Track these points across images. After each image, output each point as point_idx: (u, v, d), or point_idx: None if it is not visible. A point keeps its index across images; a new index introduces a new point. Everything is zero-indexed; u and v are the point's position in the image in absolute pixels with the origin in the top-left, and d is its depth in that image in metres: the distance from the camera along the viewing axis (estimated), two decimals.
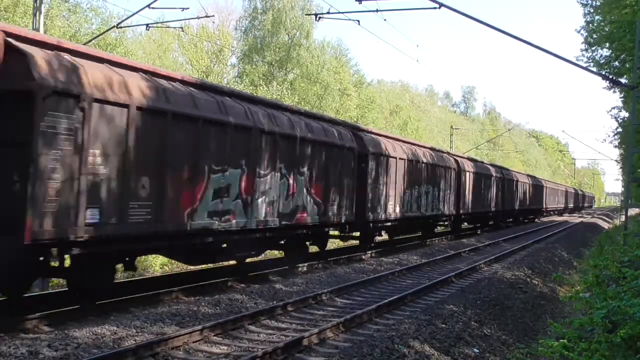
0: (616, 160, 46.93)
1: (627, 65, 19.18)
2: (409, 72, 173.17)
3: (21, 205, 7.59)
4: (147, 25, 19.29)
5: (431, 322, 9.35)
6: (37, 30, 14.08)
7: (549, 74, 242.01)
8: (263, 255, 15.48)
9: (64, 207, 8.04)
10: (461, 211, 27.20)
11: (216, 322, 8.39)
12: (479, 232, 31.48)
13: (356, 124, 20.90)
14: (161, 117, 9.68)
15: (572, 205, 75.37)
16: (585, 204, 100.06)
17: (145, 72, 10.09)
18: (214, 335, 8.11)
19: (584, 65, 20.98)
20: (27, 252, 8.00)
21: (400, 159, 19.93)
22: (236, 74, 38.55)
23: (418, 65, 77.60)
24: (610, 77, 18.44)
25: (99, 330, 7.86)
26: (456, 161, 27.12)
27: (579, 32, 23.73)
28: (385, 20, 18.06)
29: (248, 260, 14.17)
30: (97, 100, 8.46)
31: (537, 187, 48.59)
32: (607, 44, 21.28)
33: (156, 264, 16.64)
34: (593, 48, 22.40)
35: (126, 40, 27.97)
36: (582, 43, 23.07)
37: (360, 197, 17.02)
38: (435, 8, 14.05)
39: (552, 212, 60.23)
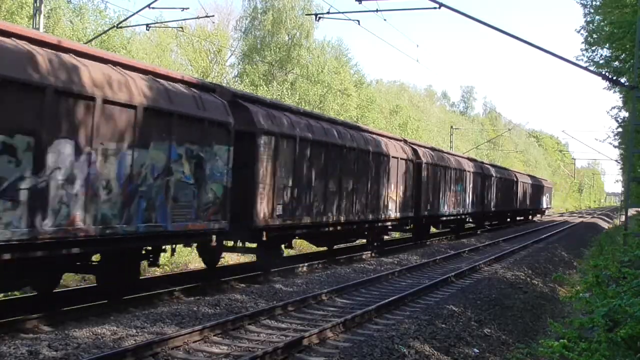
0: (616, 160, 46.95)
1: (627, 65, 19.12)
2: (408, 72, 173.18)
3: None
4: (147, 25, 19.31)
5: (431, 322, 9.34)
6: (37, 29, 14.06)
7: (549, 74, 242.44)
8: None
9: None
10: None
11: (216, 322, 8.40)
12: (478, 232, 31.52)
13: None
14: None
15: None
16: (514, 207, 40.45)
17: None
18: (214, 335, 8.11)
19: (584, 65, 20.91)
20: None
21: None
22: (236, 74, 38.49)
23: (418, 65, 77.70)
24: (610, 77, 18.42)
25: (99, 330, 7.86)
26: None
27: (579, 32, 23.59)
28: (385, 20, 18.06)
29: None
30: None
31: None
32: (607, 44, 21.20)
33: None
34: (593, 48, 22.30)
35: (127, 41, 27.82)
36: (582, 43, 22.97)
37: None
38: (435, 8, 14.05)
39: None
